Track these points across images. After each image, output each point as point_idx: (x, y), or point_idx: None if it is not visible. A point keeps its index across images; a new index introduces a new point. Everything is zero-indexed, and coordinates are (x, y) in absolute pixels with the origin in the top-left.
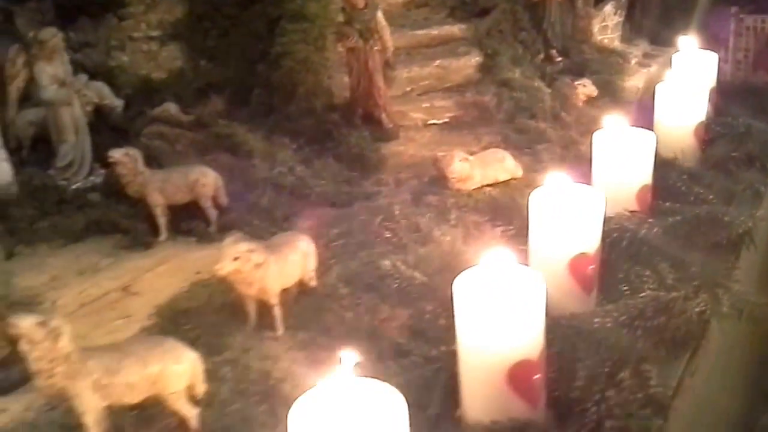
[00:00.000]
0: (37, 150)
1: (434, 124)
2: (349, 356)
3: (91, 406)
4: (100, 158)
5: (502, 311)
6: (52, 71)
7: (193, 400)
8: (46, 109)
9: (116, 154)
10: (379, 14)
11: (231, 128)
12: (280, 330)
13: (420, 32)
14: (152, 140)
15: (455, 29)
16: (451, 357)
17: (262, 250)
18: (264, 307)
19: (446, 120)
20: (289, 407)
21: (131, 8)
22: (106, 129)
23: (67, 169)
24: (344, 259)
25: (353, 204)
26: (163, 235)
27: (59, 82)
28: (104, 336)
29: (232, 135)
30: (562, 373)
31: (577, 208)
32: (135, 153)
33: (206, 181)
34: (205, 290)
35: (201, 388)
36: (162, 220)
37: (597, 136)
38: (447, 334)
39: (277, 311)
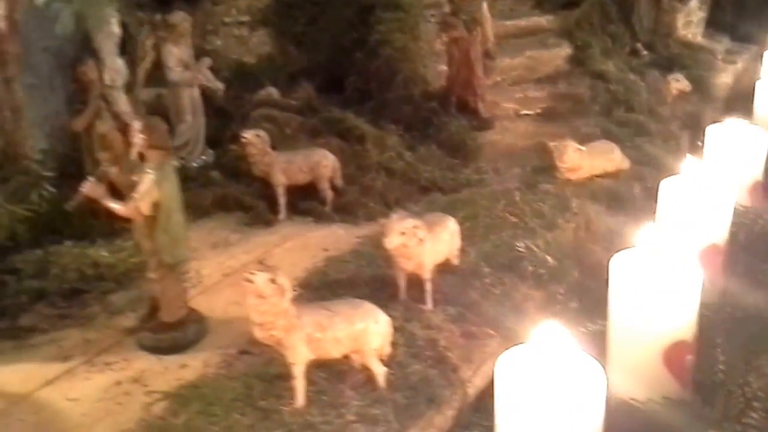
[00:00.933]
0: None
1: (527, 114)
2: (550, 324)
3: (301, 358)
4: (209, 138)
5: (660, 292)
6: (179, 54)
7: (381, 359)
8: (168, 89)
9: (248, 134)
10: (484, 5)
11: (342, 114)
12: (430, 304)
13: (508, 23)
14: (261, 123)
15: (543, 20)
16: (592, 337)
17: (425, 227)
18: (413, 282)
19: (539, 111)
20: (458, 372)
21: None
22: (210, 110)
23: (183, 148)
24: (475, 240)
25: (460, 190)
26: (282, 213)
27: (184, 65)
28: None
29: (342, 120)
30: (702, 357)
31: (707, 197)
32: (264, 135)
33: (327, 163)
34: (343, 265)
35: (387, 349)
36: (282, 200)
37: (710, 131)
38: (580, 316)
39: (429, 286)
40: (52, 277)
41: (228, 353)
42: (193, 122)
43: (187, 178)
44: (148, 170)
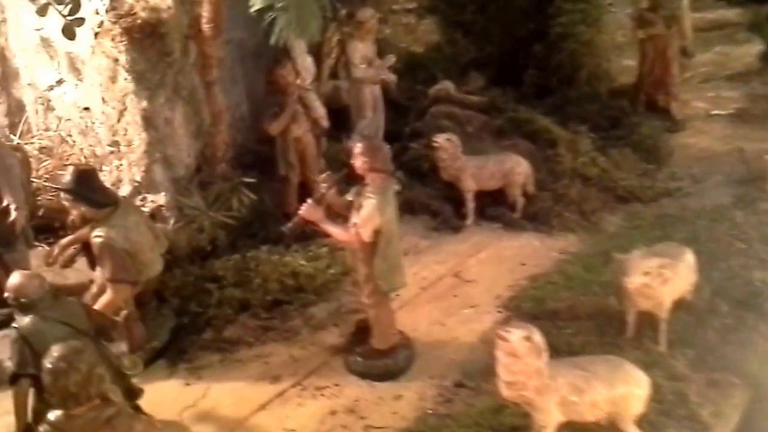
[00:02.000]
0: None
1: (718, 114)
2: None
3: (552, 420)
4: (385, 133)
5: None
6: (364, 50)
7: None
8: (350, 85)
9: (440, 139)
10: (685, 1)
11: (530, 114)
12: (664, 345)
13: (695, 15)
14: (439, 119)
15: (730, 14)
16: None
17: (671, 267)
18: (641, 317)
19: (732, 111)
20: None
21: None
22: (385, 105)
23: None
24: (702, 269)
25: (658, 200)
26: (470, 219)
27: (368, 62)
28: (460, 325)
29: (530, 121)
30: None
31: None
32: (456, 139)
33: (521, 170)
34: (552, 288)
35: (642, 410)
36: (470, 205)
37: None
38: None
39: (663, 326)
40: (255, 287)
41: (443, 385)
42: (373, 118)
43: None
44: (370, 195)
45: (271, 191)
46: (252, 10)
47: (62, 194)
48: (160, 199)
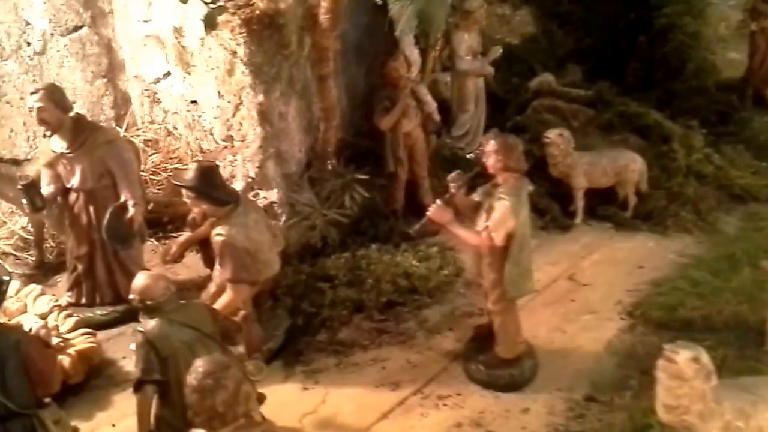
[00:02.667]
0: None
1: None
2: None
3: None
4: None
5: None
6: (470, 42)
7: None
8: (452, 78)
9: (551, 134)
10: None
11: (640, 108)
12: None
13: None
14: (542, 114)
15: None
16: None
17: None
18: None
19: None
20: None
21: None
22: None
23: (462, 138)
24: None
25: None
26: (579, 218)
27: (473, 53)
28: (581, 332)
29: (641, 115)
30: None
31: None
32: (568, 134)
33: (635, 167)
34: (679, 294)
35: None
36: (580, 204)
37: None
38: None
39: None
40: (368, 287)
41: (572, 398)
42: (475, 112)
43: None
44: (504, 196)
45: (373, 187)
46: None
47: (184, 191)
48: (273, 195)
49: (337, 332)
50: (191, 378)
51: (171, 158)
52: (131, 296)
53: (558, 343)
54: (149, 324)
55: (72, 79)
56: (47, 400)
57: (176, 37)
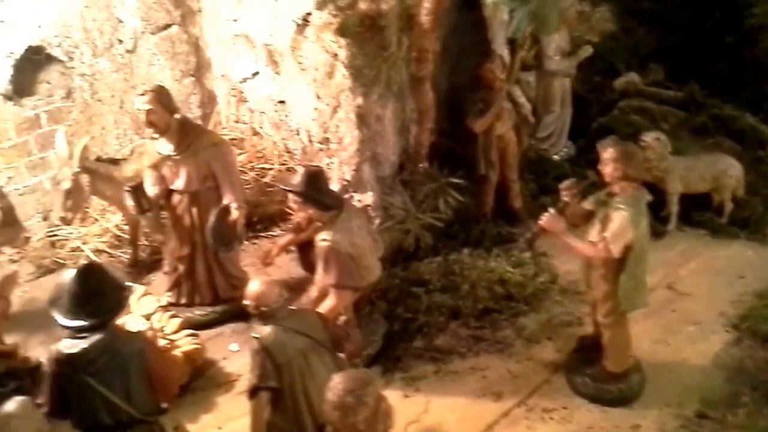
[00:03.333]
0: None
1: None
2: None
3: None
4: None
5: None
6: (559, 41)
7: None
8: (538, 78)
9: (648, 138)
10: None
11: (735, 111)
12: None
13: None
14: (629, 115)
15: None
16: None
17: None
18: None
19: None
20: None
21: None
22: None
23: (546, 140)
24: None
25: None
26: (673, 224)
27: (562, 53)
28: (686, 345)
29: (735, 118)
30: None
31: None
32: (665, 139)
33: (733, 172)
34: None
35: None
36: (674, 209)
37: None
38: None
39: None
40: (464, 293)
41: (683, 415)
42: (560, 113)
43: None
44: (622, 206)
45: (464, 190)
46: (489, 1)
47: (291, 196)
48: (367, 198)
49: (434, 339)
50: (331, 395)
51: (258, 157)
52: (246, 302)
53: (662, 356)
54: (264, 331)
55: (161, 77)
56: (165, 406)
57: (264, 38)
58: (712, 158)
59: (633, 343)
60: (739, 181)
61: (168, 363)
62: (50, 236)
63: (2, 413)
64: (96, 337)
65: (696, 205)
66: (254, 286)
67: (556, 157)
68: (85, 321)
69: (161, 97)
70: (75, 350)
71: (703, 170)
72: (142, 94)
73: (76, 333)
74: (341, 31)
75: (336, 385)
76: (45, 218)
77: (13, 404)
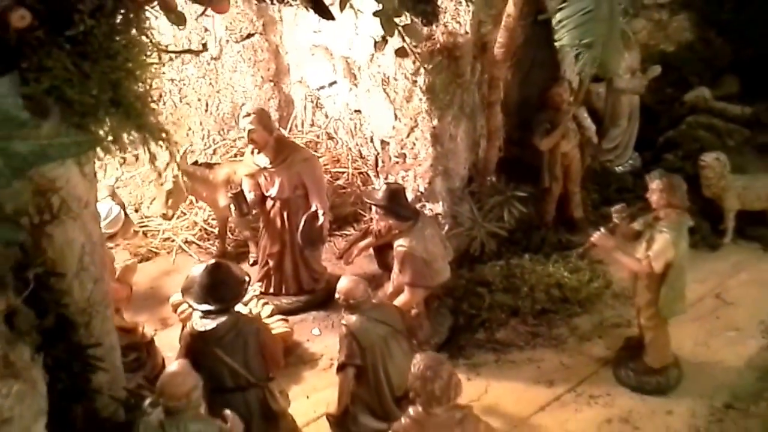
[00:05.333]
0: None
1: None
2: None
3: None
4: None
5: None
6: (629, 60)
7: None
8: (608, 92)
9: (708, 158)
10: None
11: None
12: None
13: None
14: (697, 130)
15: None
16: None
17: None
18: None
19: None
20: None
21: None
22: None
23: (611, 151)
24: None
25: None
26: (728, 237)
27: (632, 71)
28: (724, 347)
29: None
30: None
31: None
32: (724, 158)
33: None
34: None
35: None
36: (731, 224)
37: None
38: None
39: None
40: (523, 295)
41: (713, 405)
42: (627, 127)
43: (621, 189)
44: (665, 230)
45: (527, 200)
46: (558, 44)
47: (374, 208)
48: (438, 208)
49: (495, 333)
50: (415, 368)
51: (333, 161)
52: (337, 296)
53: (702, 357)
54: (351, 319)
55: (243, 82)
56: (272, 375)
57: (343, 50)
58: None
59: (675, 344)
60: None
61: (276, 341)
62: (142, 227)
63: (167, 372)
64: (222, 319)
65: (752, 220)
66: (344, 283)
67: (619, 168)
68: (212, 306)
69: (262, 119)
70: (206, 328)
71: (760, 189)
72: (246, 116)
73: (206, 315)
74: (429, 89)
75: (419, 362)
76: (136, 210)
77: (175, 365)
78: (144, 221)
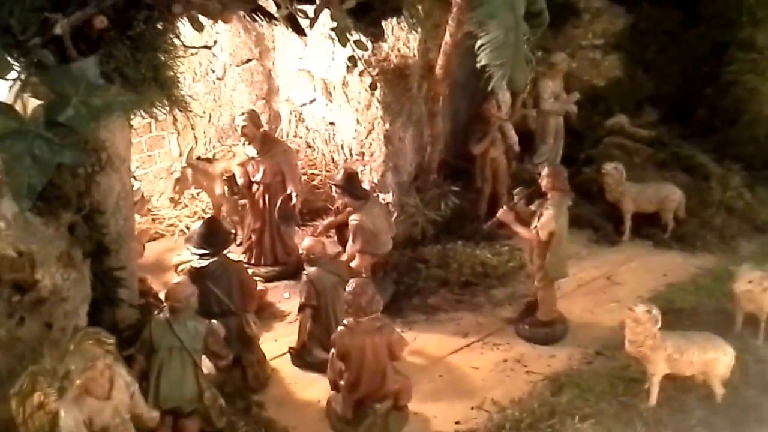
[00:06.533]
0: None
1: None
2: None
3: (659, 371)
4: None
5: None
6: (553, 87)
7: (722, 382)
8: (537, 114)
9: (608, 167)
10: None
11: (690, 150)
12: (761, 340)
13: None
14: (611, 150)
15: None
16: None
17: None
18: (748, 319)
19: None
20: None
21: (584, 17)
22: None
23: (540, 165)
24: None
25: None
26: (626, 235)
27: (555, 96)
28: (605, 314)
29: (690, 157)
30: None
31: None
32: (621, 167)
33: (674, 197)
34: (684, 294)
35: (727, 375)
36: (628, 224)
37: None
38: None
39: (763, 325)
40: (452, 270)
41: (587, 352)
42: (553, 144)
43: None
44: (549, 207)
45: (463, 197)
46: (479, 65)
47: (333, 188)
48: (389, 197)
49: (427, 299)
50: (349, 288)
51: (309, 165)
52: (300, 251)
53: (585, 319)
54: (311, 270)
55: (241, 100)
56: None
57: (322, 73)
58: (659, 186)
59: (567, 310)
60: (679, 205)
61: (253, 281)
62: (152, 215)
63: (173, 282)
64: (214, 260)
65: (648, 222)
66: (307, 242)
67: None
68: (206, 250)
69: (252, 117)
70: (201, 265)
71: (651, 194)
72: (241, 114)
73: (202, 257)
74: (384, 100)
75: (351, 284)
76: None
77: (178, 278)
78: (154, 210)
